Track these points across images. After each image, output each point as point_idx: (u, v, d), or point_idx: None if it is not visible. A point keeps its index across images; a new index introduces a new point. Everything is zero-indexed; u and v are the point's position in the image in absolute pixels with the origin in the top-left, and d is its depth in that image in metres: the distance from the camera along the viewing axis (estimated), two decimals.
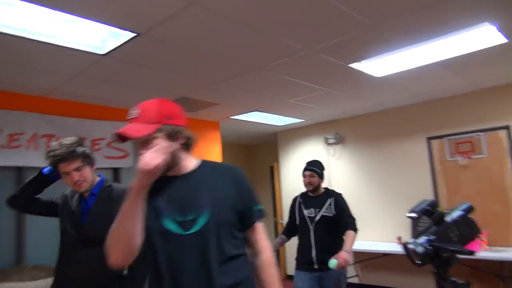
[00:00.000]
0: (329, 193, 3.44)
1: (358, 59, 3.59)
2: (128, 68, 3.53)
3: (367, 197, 6.04)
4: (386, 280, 5.72)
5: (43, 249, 4.16)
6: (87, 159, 2.06)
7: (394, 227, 5.61)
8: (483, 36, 3.16)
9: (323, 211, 3.28)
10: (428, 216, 1.48)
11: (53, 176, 2.02)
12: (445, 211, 1.50)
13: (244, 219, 1.51)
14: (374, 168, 6.01)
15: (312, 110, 5.60)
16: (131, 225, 1.35)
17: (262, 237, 1.54)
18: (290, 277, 6.61)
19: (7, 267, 3.76)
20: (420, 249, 1.39)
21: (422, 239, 1.42)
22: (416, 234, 1.47)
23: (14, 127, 3.95)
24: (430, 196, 5.27)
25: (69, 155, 1.97)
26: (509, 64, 4.01)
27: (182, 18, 2.61)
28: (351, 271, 5.87)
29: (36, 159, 4.06)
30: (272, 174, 8.24)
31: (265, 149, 8.67)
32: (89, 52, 3.11)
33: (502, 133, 4.86)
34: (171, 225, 1.41)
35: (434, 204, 1.50)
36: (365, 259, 5.84)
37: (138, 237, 1.37)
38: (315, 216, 3.29)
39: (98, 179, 2.16)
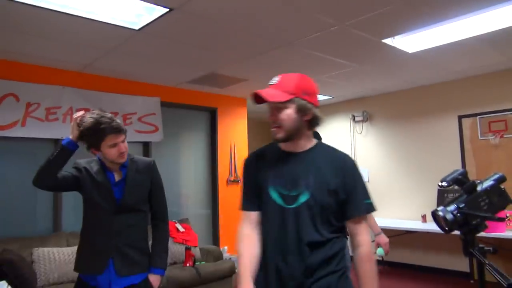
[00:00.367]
0: None
1: (391, 34, 3.52)
2: (160, 44, 3.58)
3: (393, 175, 6.01)
4: (409, 258, 5.74)
5: (78, 217, 4.38)
6: (126, 131, 2.12)
7: (419, 206, 5.59)
8: None
9: None
10: (459, 185, 1.49)
11: (73, 147, 2.01)
12: (477, 181, 1.51)
13: (347, 210, 1.49)
14: (401, 146, 5.95)
15: (341, 87, 5.55)
16: None
17: (363, 231, 1.51)
18: None
19: (45, 234, 3.98)
20: (449, 216, 1.42)
21: (452, 207, 1.45)
22: (444, 204, 1.49)
23: (51, 101, 4.10)
24: None
25: (122, 128, 2.05)
26: None
27: None
28: (372, 248, 5.90)
29: None
30: None
31: None
32: (125, 27, 3.17)
33: None
34: (275, 196, 1.50)
35: (465, 174, 1.51)
36: (389, 236, 5.84)
37: None
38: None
39: None
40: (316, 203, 1.46)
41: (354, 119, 6.47)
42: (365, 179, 6.25)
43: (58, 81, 4.21)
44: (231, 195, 5.71)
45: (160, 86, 5.10)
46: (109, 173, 2.12)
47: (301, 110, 1.48)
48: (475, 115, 5.20)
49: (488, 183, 1.49)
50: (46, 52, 3.70)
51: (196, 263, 4.18)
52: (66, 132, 4.13)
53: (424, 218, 5.30)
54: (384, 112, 6.19)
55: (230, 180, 5.74)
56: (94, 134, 1.97)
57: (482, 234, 1.44)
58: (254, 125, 8.36)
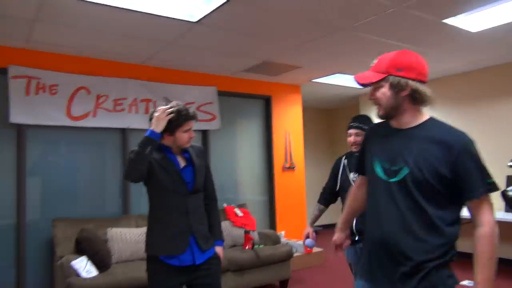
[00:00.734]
0: None
1: (453, 13, 3.37)
2: (216, 34, 3.71)
3: None
4: (461, 246, 5.50)
5: (144, 201, 4.68)
6: None
7: None
8: None
9: None
10: None
11: (158, 138, 2.13)
12: None
13: (462, 192, 1.44)
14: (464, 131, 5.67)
15: None
16: None
17: (483, 211, 1.43)
18: None
19: (116, 216, 4.31)
20: None
21: None
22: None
23: (118, 93, 4.40)
24: None
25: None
26: None
27: None
28: None
29: (136, 122, 4.51)
30: None
31: (345, 113, 8.54)
32: (183, 20, 3.32)
33: None
34: (378, 170, 1.56)
35: None
36: None
37: None
38: None
39: None
40: (414, 179, 1.45)
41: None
42: None
43: (123, 73, 4.50)
44: (287, 181, 5.80)
45: (217, 75, 5.26)
46: (174, 159, 2.25)
47: (395, 87, 1.50)
48: None
49: None
50: (112, 46, 3.97)
51: (255, 246, 4.32)
52: (131, 122, 4.46)
53: None
54: (443, 97, 5.91)
55: (285, 167, 5.82)
56: (176, 120, 2.15)
57: None
58: (310, 112, 8.35)
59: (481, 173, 1.45)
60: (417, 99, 1.51)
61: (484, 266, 1.39)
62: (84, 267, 3.30)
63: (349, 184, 2.67)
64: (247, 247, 4.27)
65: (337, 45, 4.15)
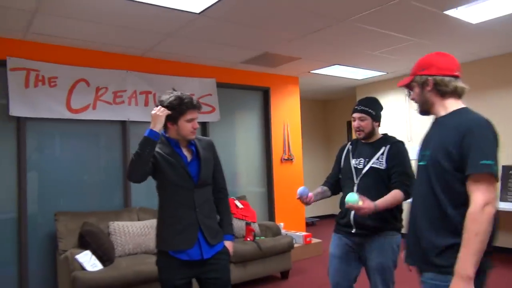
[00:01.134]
0: (386, 139, 2.54)
1: (454, 5, 3.38)
2: (219, 26, 3.68)
3: None
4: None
5: (145, 194, 4.68)
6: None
7: None
8: None
9: (372, 162, 2.45)
10: None
11: (157, 137, 2.11)
12: None
13: (463, 168, 1.50)
14: None
15: (396, 62, 5.41)
16: None
17: (474, 190, 1.47)
18: None
19: (117, 209, 4.30)
20: None
21: None
22: None
23: (117, 85, 4.36)
24: None
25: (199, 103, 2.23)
26: None
27: None
28: None
29: (136, 114, 4.48)
30: (349, 130, 8.19)
31: (341, 104, 8.58)
32: (186, 11, 3.29)
33: None
34: (419, 156, 1.74)
35: None
36: None
37: None
38: (364, 167, 2.47)
39: None
40: (433, 162, 1.59)
41: (409, 94, 6.26)
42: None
43: (122, 65, 4.45)
44: (285, 173, 5.82)
45: (215, 67, 5.24)
46: (181, 153, 2.23)
47: (421, 85, 1.70)
48: None
49: None
50: (111, 38, 3.93)
51: (256, 238, 4.35)
52: (131, 114, 4.44)
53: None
54: None
55: (284, 159, 5.84)
56: (177, 108, 2.10)
57: None
58: (307, 103, 8.37)
59: (479, 152, 1.49)
60: (442, 91, 1.67)
61: (468, 241, 1.44)
62: (89, 260, 3.29)
63: (350, 170, 2.52)
64: (248, 239, 4.30)
65: (337, 37, 4.15)
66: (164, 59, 4.78)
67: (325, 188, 2.70)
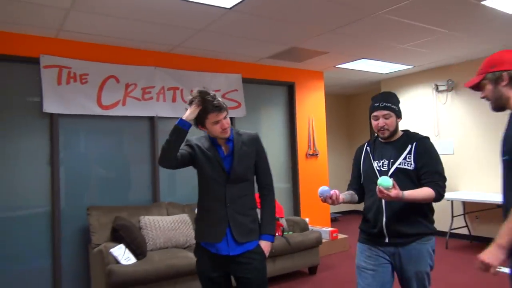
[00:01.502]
0: (410, 137, 2.30)
1: None
2: (248, 20, 3.66)
3: (480, 147, 5.69)
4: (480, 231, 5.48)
5: (173, 189, 4.72)
6: (227, 108, 2.20)
7: None
8: None
9: (399, 162, 2.22)
10: None
11: (189, 127, 2.13)
12: None
13: None
14: (491, 116, 5.58)
15: (424, 56, 5.30)
16: None
17: None
18: None
19: (145, 204, 4.35)
20: None
21: None
22: None
23: (146, 81, 4.40)
24: None
25: (223, 105, 2.14)
26: None
27: None
28: (459, 222, 5.71)
29: (164, 110, 4.52)
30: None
31: (366, 99, 8.46)
32: (217, 6, 3.29)
33: None
34: (503, 151, 1.71)
35: None
36: (476, 210, 5.63)
37: None
38: (389, 169, 2.24)
39: None
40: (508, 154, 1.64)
41: (437, 88, 6.16)
42: (450, 151, 5.99)
43: (151, 62, 4.49)
44: (310, 168, 5.79)
45: (240, 62, 5.23)
46: (219, 148, 2.24)
47: (494, 81, 1.72)
48: None
49: None
50: (141, 34, 3.95)
51: (284, 233, 4.34)
52: (159, 110, 4.47)
53: None
54: None
55: (309, 154, 5.80)
56: (202, 113, 2.09)
57: None
58: (332, 98, 8.30)
59: None
60: None
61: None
62: (122, 254, 3.34)
63: (374, 174, 2.26)
64: (277, 234, 4.29)
65: (367, 30, 4.08)
66: (191, 55, 4.79)
67: (352, 192, 2.43)
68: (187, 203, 4.40)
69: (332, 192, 2.16)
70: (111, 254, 3.32)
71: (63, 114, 3.94)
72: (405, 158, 2.21)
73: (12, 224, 3.72)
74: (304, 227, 4.58)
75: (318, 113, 6.03)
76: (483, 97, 1.81)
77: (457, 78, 5.97)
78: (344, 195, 2.33)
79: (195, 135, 2.31)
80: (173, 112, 4.51)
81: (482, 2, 3.40)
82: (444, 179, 2.18)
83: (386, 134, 2.26)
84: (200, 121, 2.14)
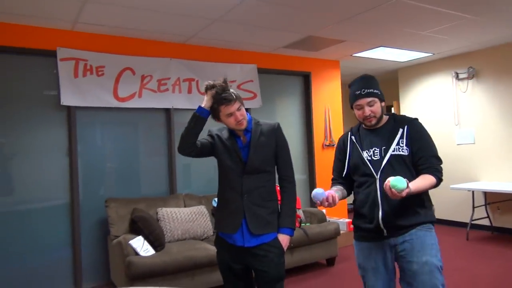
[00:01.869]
0: (398, 120, 2.11)
1: None
2: (265, 8, 3.60)
3: (502, 135, 5.53)
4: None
5: (189, 181, 4.72)
6: (240, 99, 2.16)
7: None
8: None
9: (393, 148, 2.02)
10: None
11: (207, 115, 2.13)
12: None
13: None
14: None
15: (444, 42, 5.15)
16: None
17: None
18: None
19: (162, 195, 4.36)
20: None
21: None
22: None
23: (161, 73, 4.38)
24: None
25: (233, 97, 2.10)
26: None
27: None
28: (481, 213, 5.58)
29: (180, 101, 4.50)
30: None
31: (382, 88, 8.28)
32: None
33: None
34: None
35: None
36: (498, 200, 5.50)
37: None
38: (382, 157, 2.04)
39: None
40: None
41: (457, 76, 6.00)
42: (470, 140, 5.85)
43: (166, 53, 4.46)
44: (327, 159, 5.72)
45: (256, 52, 5.16)
46: (237, 138, 2.21)
47: None
48: None
49: None
50: (157, 25, 3.92)
51: (302, 225, 4.31)
52: (175, 102, 4.45)
53: None
54: (494, 67, 5.64)
55: (325, 145, 5.73)
56: (215, 106, 2.09)
57: None
58: (344, 88, 8.16)
59: None
60: None
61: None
62: (141, 246, 3.36)
63: (365, 165, 2.07)
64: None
65: (386, 17, 3.97)
66: (206, 46, 4.75)
67: (341, 187, 2.20)
68: (203, 194, 4.40)
69: (327, 193, 1.95)
70: (130, 246, 3.34)
71: (80, 107, 3.95)
72: (398, 144, 2.02)
73: (32, 216, 3.78)
74: (321, 218, 4.54)
75: (335, 103, 5.94)
76: None
77: (478, 65, 5.79)
78: (336, 192, 2.08)
79: (216, 126, 2.29)
80: (189, 103, 4.48)
81: None
82: (441, 162, 2.03)
83: (374, 121, 2.07)
84: (214, 114, 2.13)
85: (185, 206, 4.16)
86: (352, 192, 2.23)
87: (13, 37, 3.67)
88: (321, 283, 3.97)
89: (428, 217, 2.03)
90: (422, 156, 2.00)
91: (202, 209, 4.11)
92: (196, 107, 2.11)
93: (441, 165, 2.01)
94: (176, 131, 4.48)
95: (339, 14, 3.84)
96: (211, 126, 2.30)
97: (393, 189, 1.75)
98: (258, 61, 5.15)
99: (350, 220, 5.42)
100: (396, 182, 1.75)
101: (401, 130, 2.04)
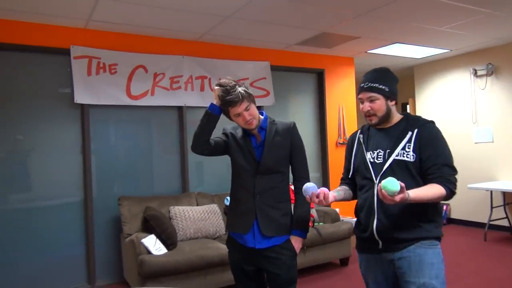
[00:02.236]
0: (410, 122, 1.90)
1: None
2: (278, 5, 3.54)
3: None
4: None
5: (202, 179, 4.71)
6: (250, 97, 2.10)
7: None
8: None
9: (397, 153, 1.83)
10: None
11: (219, 112, 2.10)
12: None
13: None
14: None
15: (463, 38, 5.02)
16: None
17: None
18: None
19: (175, 194, 4.35)
20: None
21: None
22: None
23: (174, 71, 4.36)
24: None
25: (239, 98, 2.02)
26: None
27: None
28: (499, 213, 5.44)
29: (193, 99, 4.48)
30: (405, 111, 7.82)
31: (398, 85, 8.18)
32: None
33: None
34: None
35: None
36: None
37: None
38: (384, 161, 1.85)
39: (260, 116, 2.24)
40: None
41: (475, 73, 5.85)
42: (489, 138, 5.71)
43: (178, 51, 4.44)
44: (340, 157, 5.61)
45: (269, 49, 5.11)
46: (252, 137, 2.17)
47: None
48: None
49: None
50: (169, 23, 3.90)
51: (315, 224, 4.25)
52: (188, 99, 4.43)
53: None
54: None
55: (339, 143, 5.66)
56: (223, 107, 2.06)
57: None
58: (358, 85, 8.04)
59: None
60: None
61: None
62: (154, 244, 3.35)
63: (366, 167, 1.90)
64: None
65: (401, 12, 3.88)
66: (219, 43, 4.71)
67: (346, 187, 2.05)
68: (216, 193, 4.38)
69: (319, 190, 1.79)
70: (142, 244, 3.33)
71: (93, 105, 3.96)
72: (403, 148, 1.82)
73: (46, 213, 3.81)
74: (335, 218, 4.48)
75: (349, 101, 5.85)
76: None
77: (497, 61, 5.64)
78: (337, 192, 1.97)
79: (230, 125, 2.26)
80: (201, 101, 4.46)
81: None
82: (455, 172, 1.78)
83: (374, 120, 1.89)
84: (225, 113, 2.10)
85: (197, 205, 4.15)
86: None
87: (28, 36, 3.69)
88: (334, 283, 3.91)
89: (431, 233, 1.79)
90: (433, 164, 1.77)
91: (215, 207, 4.09)
92: (208, 105, 2.08)
93: (455, 176, 1.78)
94: (188, 129, 4.47)
95: (354, 9, 3.76)
96: (226, 124, 2.26)
97: (383, 190, 1.58)
98: (271, 58, 5.09)
99: None
100: (387, 183, 1.57)
101: (410, 133, 1.83)
